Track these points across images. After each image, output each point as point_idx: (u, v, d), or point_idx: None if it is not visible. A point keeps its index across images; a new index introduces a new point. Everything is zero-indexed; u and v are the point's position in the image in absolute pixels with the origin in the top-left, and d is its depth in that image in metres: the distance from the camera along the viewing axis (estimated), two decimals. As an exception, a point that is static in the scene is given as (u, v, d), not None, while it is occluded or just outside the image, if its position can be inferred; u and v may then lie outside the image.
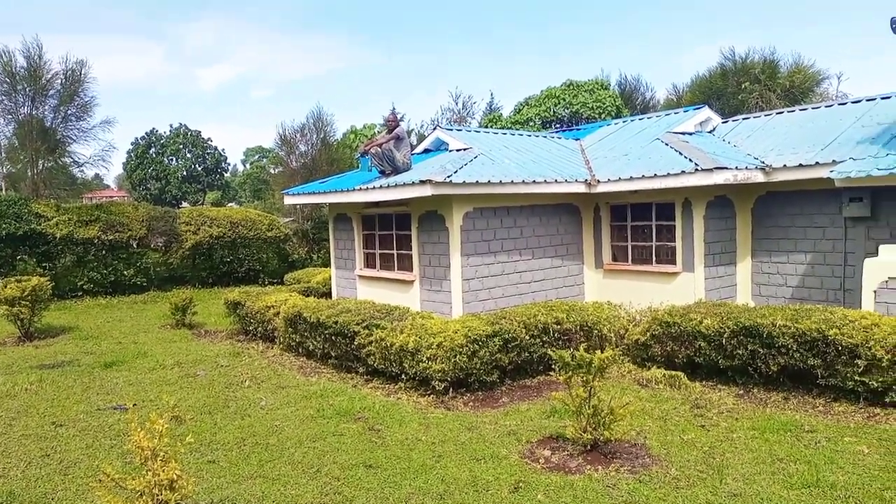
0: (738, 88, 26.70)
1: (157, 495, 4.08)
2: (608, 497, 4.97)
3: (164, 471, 4.11)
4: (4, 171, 22.86)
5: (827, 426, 6.43)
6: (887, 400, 6.78)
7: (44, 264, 17.89)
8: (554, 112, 31.69)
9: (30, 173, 20.59)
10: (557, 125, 31.38)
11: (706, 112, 13.13)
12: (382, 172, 11.40)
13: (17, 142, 20.31)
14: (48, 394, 8.79)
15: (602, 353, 5.83)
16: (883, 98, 11.13)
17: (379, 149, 11.30)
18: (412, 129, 30.80)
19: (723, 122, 13.21)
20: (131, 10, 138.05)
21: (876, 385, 6.77)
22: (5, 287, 12.58)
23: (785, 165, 9.93)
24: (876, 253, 8.56)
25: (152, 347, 11.72)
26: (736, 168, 9.79)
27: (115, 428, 7.24)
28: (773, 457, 5.68)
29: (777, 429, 6.35)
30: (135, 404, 8.07)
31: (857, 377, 6.88)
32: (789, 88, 25.86)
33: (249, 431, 6.95)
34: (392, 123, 11.65)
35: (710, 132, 12.82)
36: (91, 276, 18.60)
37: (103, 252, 18.78)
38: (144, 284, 19.43)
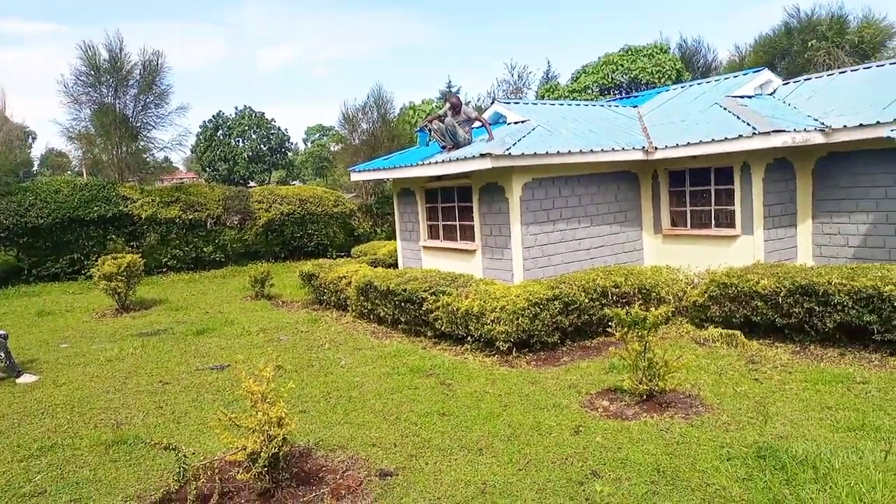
0: (803, 47, 25.80)
1: (267, 431, 4.79)
2: (661, 439, 5.44)
3: (272, 411, 4.81)
4: (89, 156, 24.46)
5: (879, 378, 6.67)
6: (943, 353, 6.96)
7: (131, 243, 19.30)
8: (612, 79, 31.35)
9: (112, 159, 22.02)
10: (616, 92, 31.05)
11: (766, 74, 13.05)
12: (444, 147, 11.90)
13: (101, 130, 21.73)
14: (151, 357, 9.80)
15: (656, 311, 6.24)
16: (952, 52, 10.87)
17: (441, 124, 11.77)
18: (469, 102, 31.06)
19: (783, 84, 13.09)
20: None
21: (931, 339, 6.94)
22: (104, 264, 13.79)
23: (845, 126, 9.91)
24: (938, 211, 8.57)
25: (237, 316, 12.71)
26: (794, 130, 9.84)
27: (215, 385, 8.12)
28: (822, 405, 6.01)
29: (829, 380, 6.64)
30: (229, 364, 8.95)
31: (912, 332, 7.06)
32: (858, 44, 24.82)
33: (333, 386, 7.71)
34: (457, 105, 11.92)
35: (770, 94, 12.75)
36: (174, 252, 19.97)
37: (184, 231, 20.09)
38: (222, 260, 20.71)
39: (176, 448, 4.70)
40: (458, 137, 11.60)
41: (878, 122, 9.48)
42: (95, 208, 18.79)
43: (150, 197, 19.87)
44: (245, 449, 4.79)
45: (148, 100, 21.45)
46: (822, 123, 10.27)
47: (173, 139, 28.61)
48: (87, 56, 20.01)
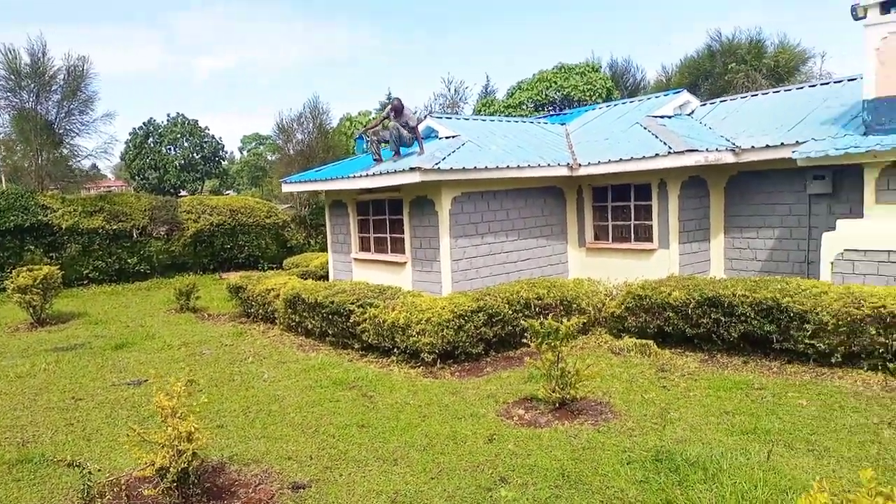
0: (724, 69, 27.18)
1: (177, 446, 4.74)
2: (569, 445, 5.65)
3: (182, 425, 4.77)
4: (8, 163, 23.44)
5: (776, 384, 7.11)
6: (833, 361, 7.45)
7: (50, 254, 18.51)
8: (546, 95, 32.14)
9: (33, 166, 21.16)
10: (550, 108, 31.85)
11: (685, 96, 13.69)
12: (376, 160, 11.96)
13: (21, 136, 20.87)
14: (65, 373, 9.46)
15: (568, 322, 6.48)
16: (849, 80, 11.70)
17: (385, 131, 11.74)
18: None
19: (701, 105, 13.77)
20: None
21: (823, 347, 7.44)
22: (18, 276, 13.22)
23: (753, 147, 10.52)
24: (835, 227, 9.20)
25: (159, 330, 12.39)
26: (706, 150, 10.38)
27: (131, 401, 7.91)
28: (721, 410, 6.37)
29: (730, 387, 7.03)
30: (147, 379, 8.73)
31: (806, 340, 7.55)
32: (774, 68, 26.36)
33: (253, 401, 7.64)
34: (398, 108, 11.82)
35: (689, 115, 13.39)
36: (96, 264, 19.25)
37: (107, 241, 19.41)
38: (148, 272, 20.09)
39: (80, 465, 4.60)
40: (405, 139, 11.59)
41: (782, 144, 10.11)
42: (11, 217, 17.95)
43: (72, 206, 19.14)
44: (154, 464, 4.73)
45: (72, 106, 20.76)
46: (733, 143, 10.86)
47: (98, 147, 27.81)
48: (6, 59, 19.21)
